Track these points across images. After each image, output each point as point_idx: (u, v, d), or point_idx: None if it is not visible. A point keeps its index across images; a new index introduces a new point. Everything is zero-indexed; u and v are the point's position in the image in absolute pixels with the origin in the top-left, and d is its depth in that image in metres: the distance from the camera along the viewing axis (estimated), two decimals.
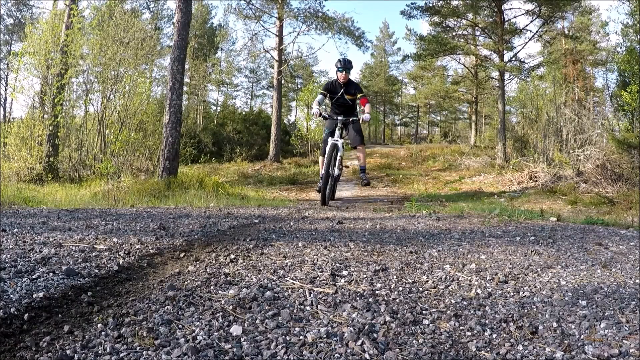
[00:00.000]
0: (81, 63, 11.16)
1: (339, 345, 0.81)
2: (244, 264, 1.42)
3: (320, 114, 5.11)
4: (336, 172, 5.10)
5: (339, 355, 0.77)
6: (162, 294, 1.06)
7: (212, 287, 1.13)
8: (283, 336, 0.84)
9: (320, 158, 5.44)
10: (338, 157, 5.02)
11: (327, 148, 5.04)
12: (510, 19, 15.91)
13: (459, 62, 23.95)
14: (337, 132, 5.02)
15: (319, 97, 5.31)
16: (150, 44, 12.43)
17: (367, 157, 20.28)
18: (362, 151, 5.48)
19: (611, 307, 1.05)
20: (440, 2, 16.08)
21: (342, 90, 5.26)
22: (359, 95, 5.34)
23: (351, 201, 7.13)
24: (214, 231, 2.16)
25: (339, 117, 5.07)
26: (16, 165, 9.54)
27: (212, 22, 31.03)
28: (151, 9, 25.73)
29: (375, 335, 0.87)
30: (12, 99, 21.07)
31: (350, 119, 5.21)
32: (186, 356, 0.74)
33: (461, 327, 0.93)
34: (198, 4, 26.76)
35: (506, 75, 16.04)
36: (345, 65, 5.30)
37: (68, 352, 0.75)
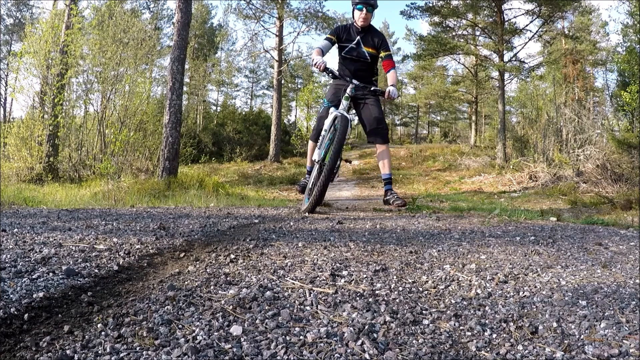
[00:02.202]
0: (81, 63, 11.17)
1: (339, 345, 0.81)
2: (244, 264, 1.42)
3: (326, 68, 3.26)
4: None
5: (339, 355, 0.77)
6: (162, 294, 1.06)
7: (212, 287, 1.13)
8: (283, 336, 0.84)
9: (310, 144, 3.57)
10: (337, 138, 3.08)
11: (327, 122, 3.27)
12: (510, 19, 15.93)
13: (459, 62, 23.98)
14: (345, 103, 3.25)
15: (323, 43, 3.50)
16: (150, 44, 12.44)
17: (367, 157, 19.94)
18: (386, 152, 3.53)
19: (611, 307, 1.05)
20: (440, 2, 16.10)
21: (358, 38, 3.48)
22: (383, 54, 3.51)
23: (351, 201, 7.13)
24: (214, 231, 2.16)
25: (353, 81, 3.32)
26: (16, 165, 9.55)
27: (212, 22, 31.08)
28: (151, 9, 25.75)
29: (375, 335, 0.87)
30: (12, 99, 21.08)
31: (372, 89, 3.38)
32: (186, 356, 0.74)
33: (461, 327, 0.93)
34: (198, 4, 26.78)
35: (506, 75, 16.06)
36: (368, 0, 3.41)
37: (68, 352, 0.75)
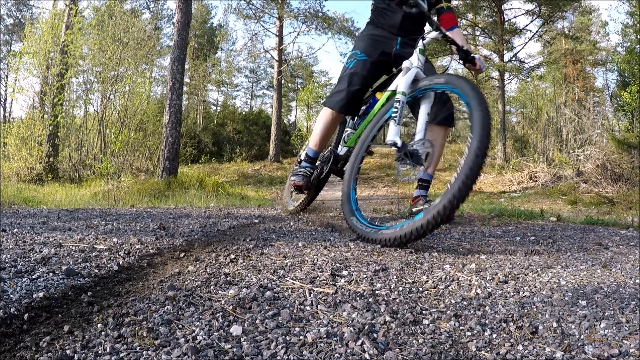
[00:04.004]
0: (81, 63, 11.17)
1: (339, 345, 0.81)
2: (244, 264, 1.42)
3: None
4: (420, 148, 1.93)
5: (339, 355, 0.77)
6: (162, 294, 1.06)
7: (212, 287, 1.13)
8: (283, 336, 0.84)
9: (330, 114, 2.46)
10: (424, 109, 2.02)
11: (404, 81, 2.06)
12: (510, 19, 15.93)
13: (459, 62, 23.92)
14: (421, 58, 2.13)
15: None
16: (150, 44, 12.44)
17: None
18: (444, 140, 2.49)
19: (611, 307, 1.05)
20: None
21: None
22: (445, 3, 2.55)
23: None
24: (214, 231, 2.16)
25: (441, 28, 2.20)
26: (16, 165, 9.56)
27: (212, 22, 31.08)
28: (151, 9, 25.75)
29: (375, 335, 0.87)
30: (12, 99, 21.10)
31: (464, 48, 2.28)
32: (186, 356, 0.74)
33: (461, 327, 0.93)
34: (198, 4, 26.78)
35: (506, 75, 16.06)
36: None
37: (68, 352, 0.75)
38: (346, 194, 2.08)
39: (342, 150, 2.74)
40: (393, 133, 1.99)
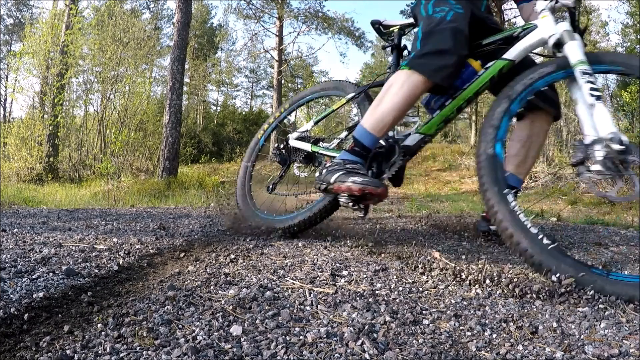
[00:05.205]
0: (81, 63, 11.17)
1: (339, 345, 0.81)
2: (244, 264, 1.42)
3: None
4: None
5: (339, 355, 0.77)
6: (162, 294, 1.06)
7: (212, 287, 1.13)
8: (283, 336, 0.84)
9: (415, 82, 1.51)
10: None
11: (574, 49, 1.43)
12: (510, 19, 15.91)
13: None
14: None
15: None
16: (150, 44, 12.44)
17: None
18: (545, 135, 1.88)
19: (611, 307, 1.05)
20: None
21: None
22: None
23: None
24: (214, 231, 2.16)
25: None
26: (16, 165, 9.56)
27: (212, 22, 31.05)
28: (151, 9, 25.73)
29: (375, 335, 0.87)
30: (12, 99, 21.10)
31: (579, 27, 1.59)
32: (186, 356, 0.74)
33: (461, 327, 0.93)
34: (198, 4, 26.78)
35: None
36: None
37: (68, 352, 0.75)
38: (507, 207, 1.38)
39: (412, 139, 1.75)
40: (611, 122, 1.29)
